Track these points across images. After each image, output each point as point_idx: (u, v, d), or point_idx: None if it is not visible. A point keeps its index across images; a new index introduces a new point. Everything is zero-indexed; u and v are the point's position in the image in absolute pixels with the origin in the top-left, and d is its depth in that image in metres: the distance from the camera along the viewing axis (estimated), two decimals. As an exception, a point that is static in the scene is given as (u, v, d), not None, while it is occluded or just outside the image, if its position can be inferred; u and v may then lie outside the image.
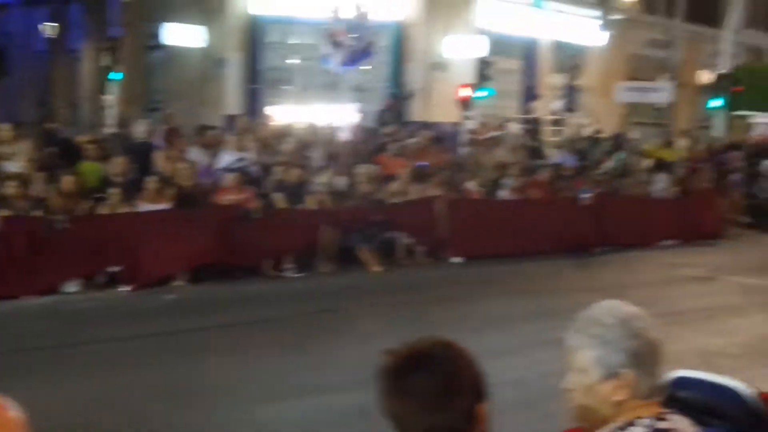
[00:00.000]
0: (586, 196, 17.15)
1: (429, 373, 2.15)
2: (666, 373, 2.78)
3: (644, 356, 2.43)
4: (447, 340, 2.29)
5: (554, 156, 20.79)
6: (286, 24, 23.77)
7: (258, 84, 23.55)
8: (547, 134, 25.28)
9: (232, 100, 22.98)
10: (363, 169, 15.81)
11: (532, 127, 24.10)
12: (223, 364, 8.86)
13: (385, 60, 24.58)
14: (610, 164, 19.91)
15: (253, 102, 23.21)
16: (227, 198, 14.07)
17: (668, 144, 23.63)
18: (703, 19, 37.12)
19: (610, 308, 2.54)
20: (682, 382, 2.84)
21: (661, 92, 27.70)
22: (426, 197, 15.84)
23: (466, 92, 22.42)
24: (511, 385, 7.33)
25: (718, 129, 26.45)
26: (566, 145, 21.83)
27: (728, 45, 27.62)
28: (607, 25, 29.77)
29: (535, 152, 20.78)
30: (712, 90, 26.28)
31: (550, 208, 17.07)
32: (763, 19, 45.58)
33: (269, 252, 13.92)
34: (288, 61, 24.16)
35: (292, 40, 24.24)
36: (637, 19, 34.28)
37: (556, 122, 27.15)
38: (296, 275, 13.92)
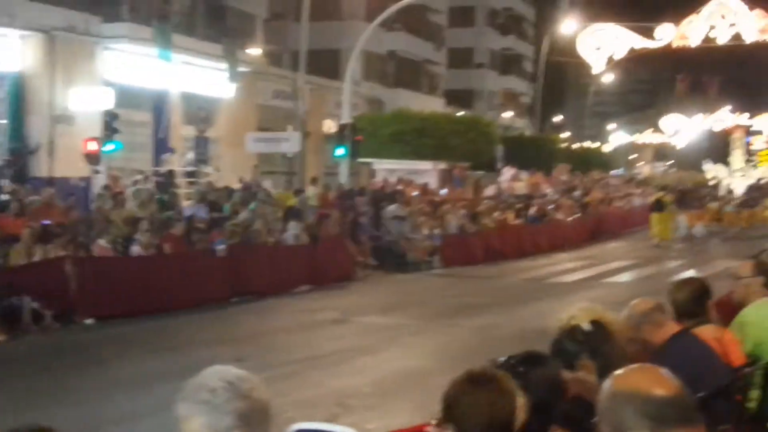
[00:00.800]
0: (221, 247, 17.13)
1: None
2: (284, 428, 2.76)
3: (253, 417, 2.41)
4: (44, 426, 2.07)
5: (188, 208, 20.61)
6: None
7: None
8: (180, 186, 25.07)
9: None
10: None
11: (165, 179, 23.76)
12: None
13: (3, 113, 23.11)
14: (243, 214, 20.10)
15: None
16: None
17: (298, 192, 24.41)
18: (325, 72, 39.10)
19: (216, 372, 2.49)
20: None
21: (289, 142, 28.61)
22: (52, 258, 14.95)
23: (93, 146, 21.59)
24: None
25: (344, 176, 27.80)
26: (199, 197, 21.73)
27: (349, 96, 29.19)
28: (234, 77, 30.27)
29: (168, 205, 20.47)
30: (337, 139, 27.62)
31: (184, 261, 16.86)
32: (379, 73, 49.02)
33: None
34: None
35: None
36: (264, 71, 35.31)
37: (188, 174, 27.03)
38: None
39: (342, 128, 27.19)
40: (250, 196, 22.20)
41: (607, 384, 2.36)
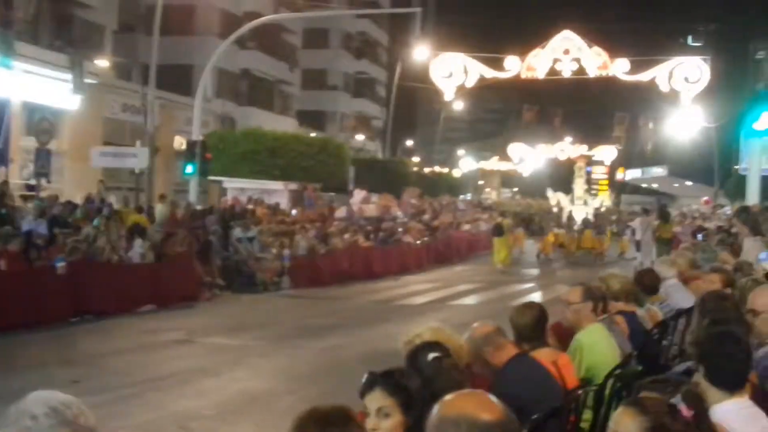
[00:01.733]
0: (61, 264, 16.48)
1: None
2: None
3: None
4: None
5: (26, 224, 19.74)
6: None
7: None
8: (19, 200, 23.99)
9: None
10: None
11: (2, 192, 22.69)
12: None
13: None
14: (86, 230, 19.42)
15: None
16: None
17: (140, 209, 23.83)
18: (176, 87, 38.47)
19: (40, 398, 2.39)
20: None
21: (136, 157, 27.90)
22: None
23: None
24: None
25: (194, 194, 27.32)
26: (39, 212, 20.86)
27: (199, 113, 28.76)
28: (79, 88, 29.35)
29: (5, 220, 19.55)
30: (186, 156, 27.13)
31: (22, 279, 16.11)
32: (232, 91, 48.61)
33: None
34: None
35: None
36: (111, 84, 34.41)
37: (28, 187, 25.96)
38: None
39: (191, 145, 26.73)
40: (94, 211, 21.51)
41: (435, 409, 2.42)
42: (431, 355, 4.18)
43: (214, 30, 44.55)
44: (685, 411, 3.04)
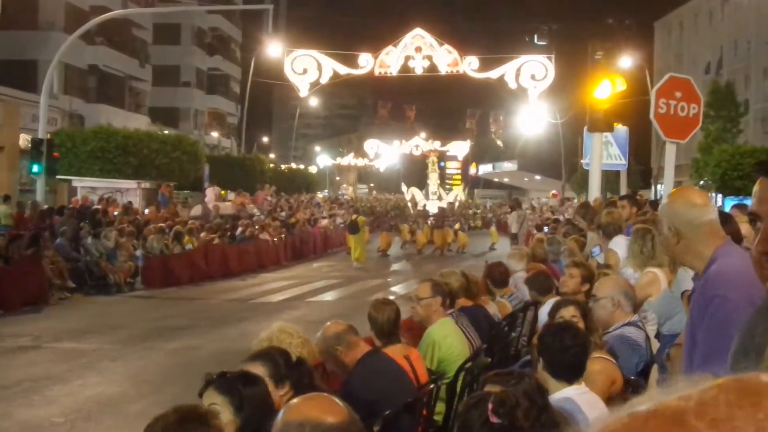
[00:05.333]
0: None
1: None
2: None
3: None
4: None
5: None
6: None
7: None
8: None
9: None
10: None
11: None
12: None
13: None
14: None
15: None
16: None
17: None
18: (20, 83, 36.94)
19: None
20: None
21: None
22: None
23: None
24: None
25: (41, 193, 26.31)
26: None
27: (45, 110, 27.72)
28: None
29: None
30: (32, 155, 26.11)
31: None
32: (80, 87, 47.05)
33: None
34: None
35: None
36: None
37: None
38: None
39: (37, 143, 25.74)
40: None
41: (280, 413, 2.49)
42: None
43: (59, 24, 43.00)
44: (494, 418, 3.16)
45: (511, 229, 31.15)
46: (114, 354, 13.62)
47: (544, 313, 6.67)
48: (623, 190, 26.76)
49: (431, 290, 6.54)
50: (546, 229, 24.23)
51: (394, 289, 23.12)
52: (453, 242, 36.50)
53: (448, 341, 6.31)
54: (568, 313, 5.43)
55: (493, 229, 40.00)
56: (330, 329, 5.24)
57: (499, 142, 65.18)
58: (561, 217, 28.10)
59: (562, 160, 55.72)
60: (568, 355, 4.20)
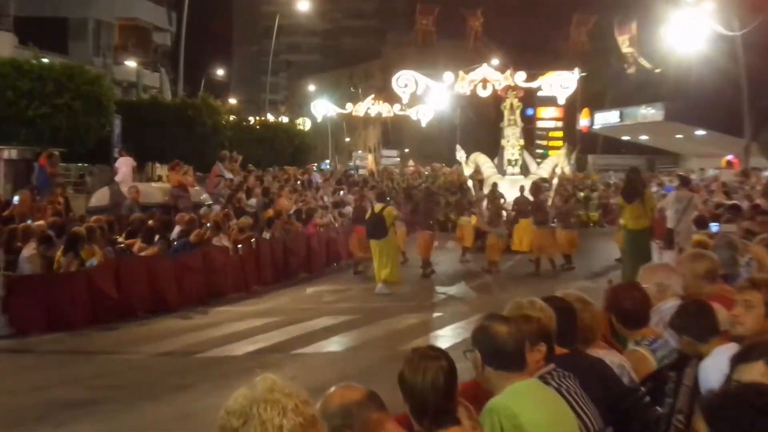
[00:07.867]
0: None
1: None
2: None
3: None
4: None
5: None
6: None
7: None
8: None
9: None
10: None
11: None
12: None
13: None
14: None
15: None
16: None
17: None
18: None
19: None
20: None
21: None
22: None
23: None
24: None
25: None
26: None
27: None
28: None
29: None
30: None
31: None
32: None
33: None
34: None
35: None
36: None
37: None
38: None
39: None
40: None
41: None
42: None
43: None
44: None
45: (666, 223, 18.88)
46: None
47: (710, 371, 4.37)
48: None
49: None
50: (715, 225, 15.31)
51: (442, 332, 15.19)
52: (552, 250, 22.64)
53: (531, 419, 3.85)
54: (757, 371, 3.45)
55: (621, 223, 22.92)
56: (334, 400, 3.38)
57: (630, 71, 44.50)
58: (742, 203, 18.71)
59: (744, 104, 37.18)
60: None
